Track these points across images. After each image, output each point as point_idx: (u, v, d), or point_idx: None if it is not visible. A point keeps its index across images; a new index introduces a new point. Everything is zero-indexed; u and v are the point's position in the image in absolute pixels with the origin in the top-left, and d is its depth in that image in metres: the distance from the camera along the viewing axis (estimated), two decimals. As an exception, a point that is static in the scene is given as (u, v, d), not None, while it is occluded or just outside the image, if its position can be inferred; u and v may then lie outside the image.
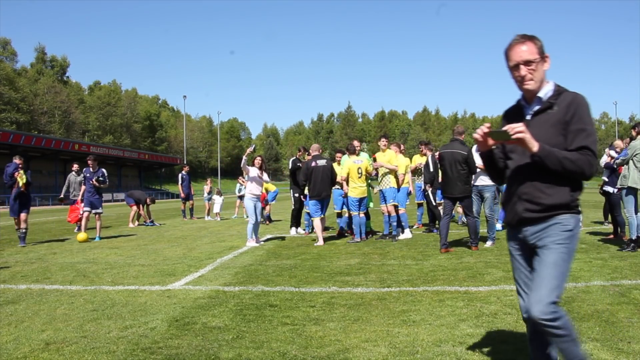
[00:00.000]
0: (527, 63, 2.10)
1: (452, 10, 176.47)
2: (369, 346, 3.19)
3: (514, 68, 2.14)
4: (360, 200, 8.91)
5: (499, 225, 10.05)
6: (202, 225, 13.97)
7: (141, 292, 4.97)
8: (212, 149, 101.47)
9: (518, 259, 2.26)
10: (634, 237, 6.93)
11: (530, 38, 2.13)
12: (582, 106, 2.06)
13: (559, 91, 2.14)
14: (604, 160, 8.86)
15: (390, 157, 8.84)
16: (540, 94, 2.15)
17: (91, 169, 10.31)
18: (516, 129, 2.00)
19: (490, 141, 2.15)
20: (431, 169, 9.56)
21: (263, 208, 14.41)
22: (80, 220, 10.93)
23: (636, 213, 6.94)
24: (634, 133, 7.12)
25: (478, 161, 7.98)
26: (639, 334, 3.31)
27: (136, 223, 14.31)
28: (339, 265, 6.37)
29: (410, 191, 10.13)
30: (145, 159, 65.93)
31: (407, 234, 9.08)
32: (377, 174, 9.11)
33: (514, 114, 2.26)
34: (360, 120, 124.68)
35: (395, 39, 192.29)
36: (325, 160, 8.95)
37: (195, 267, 6.48)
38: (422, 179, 9.86)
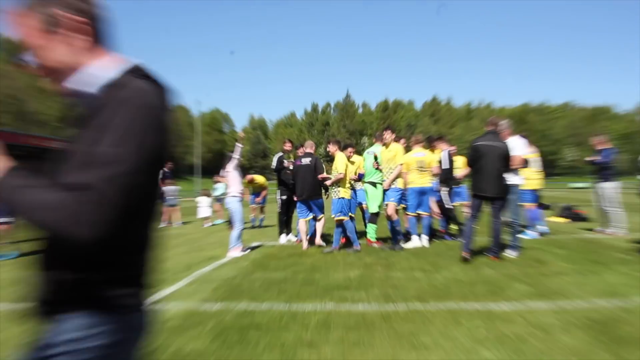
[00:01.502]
0: (28, 49, 1.39)
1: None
2: (373, 375, 3.12)
3: None
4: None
5: (533, 233, 9.98)
6: (179, 231, 13.87)
7: (104, 311, 4.87)
8: (190, 143, 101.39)
9: None
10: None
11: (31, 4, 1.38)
12: (122, 110, 1.28)
13: (120, 83, 1.35)
14: None
15: (396, 152, 8.77)
16: (78, 86, 1.40)
17: None
18: None
19: None
20: (445, 166, 9.51)
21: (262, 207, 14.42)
22: None
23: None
24: None
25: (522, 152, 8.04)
26: (689, 360, 3.25)
27: None
28: (337, 278, 6.33)
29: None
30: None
31: (415, 242, 9.00)
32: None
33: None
34: (360, 111, 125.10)
35: (401, 19, 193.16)
36: (309, 159, 9.16)
37: (169, 281, 6.40)
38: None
